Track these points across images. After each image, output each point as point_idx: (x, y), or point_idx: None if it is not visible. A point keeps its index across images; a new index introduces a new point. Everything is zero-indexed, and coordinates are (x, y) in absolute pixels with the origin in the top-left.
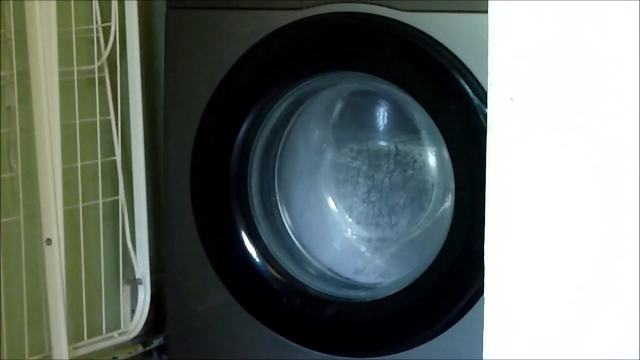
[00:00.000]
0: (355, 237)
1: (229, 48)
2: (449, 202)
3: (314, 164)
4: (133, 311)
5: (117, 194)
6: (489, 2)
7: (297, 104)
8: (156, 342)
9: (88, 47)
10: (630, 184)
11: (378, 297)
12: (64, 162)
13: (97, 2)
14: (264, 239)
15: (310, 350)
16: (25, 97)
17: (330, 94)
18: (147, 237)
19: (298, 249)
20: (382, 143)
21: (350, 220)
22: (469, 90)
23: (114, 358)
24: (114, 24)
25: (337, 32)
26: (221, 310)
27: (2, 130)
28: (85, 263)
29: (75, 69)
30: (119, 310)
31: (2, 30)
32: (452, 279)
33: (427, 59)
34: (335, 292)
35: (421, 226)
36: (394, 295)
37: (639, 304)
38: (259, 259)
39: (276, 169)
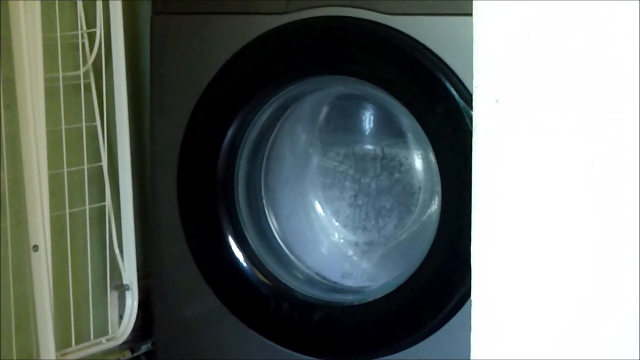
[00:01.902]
0: (342, 241)
1: (214, 53)
2: (435, 205)
3: (301, 169)
4: (121, 317)
5: (103, 199)
6: (474, 4)
7: (284, 108)
8: (144, 348)
9: (73, 53)
10: (616, 184)
11: (366, 301)
12: (50, 168)
13: (82, 8)
14: (251, 244)
15: (299, 354)
16: (11, 103)
17: (317, 98)
18: (134, 243)
19: (285, 253)
20: (369, 147)
21: (337, 224)
22: (454, 92)
23: None
24: (99, 29)
25: (323, 36)
26: (209, 315)
27: None
28: (72, 269)
29: (60, 75)
30: (107, 316)
31: None
32: (440, 282)
33: (413, 62)
34: (323, 296)
35: (408, 229)
36: (381, 298)
37: (639, 303)
38: (246, 263)
39: (263, 173)
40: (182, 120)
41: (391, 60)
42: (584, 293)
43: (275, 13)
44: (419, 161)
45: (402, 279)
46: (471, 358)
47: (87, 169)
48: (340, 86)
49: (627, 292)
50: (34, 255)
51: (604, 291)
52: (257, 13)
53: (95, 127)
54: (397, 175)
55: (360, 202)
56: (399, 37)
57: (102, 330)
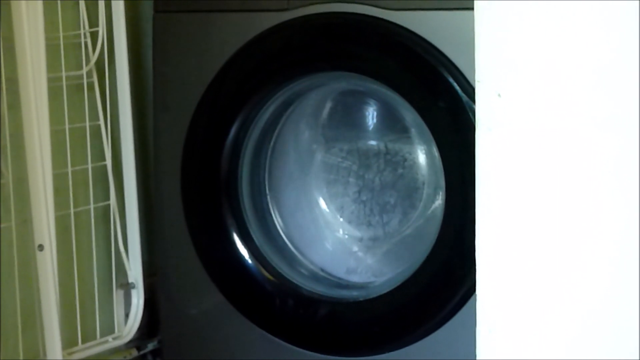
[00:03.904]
0: (347, 236)
1: (216, 51)
2: (439, 200)
3: (304, 165)
4: (127, 315)
5: (108, 198)
6: None
7: (286, 105)
8: (150, 346)
9: (76, 53)
10: (620, 178)
11: (371, 297)
12: (54, 167)
13: (84, 7)
14: (256, 241)
15: (304, 351)
16: (15, 103)
17: (319, 95)
18: (139, 241)
19: (290, 249)
20: (372, 142)
21: (341, 220)
22: (457, 87)
23: None
24: (102, 28)
25: (324, 33)
26: (214, 312)
27: None
28: (77, 268)
29: (63, 74)
30: (113, 315)
31: None
32: (445, 277)
33: (415, 57)
34: (327, 292)
35: (412, 225)
36: (386, 294)
37: (638, 299)
38: (251, 260)
39: (266, 170)
40: (185, 118)
41: (393, 56)
42: (588, 288)
43: (276, 10)
44: (423, 156)
45: (406, 275)
46: (477, 353)
47: (91, 168)
48: (342, 82)
49: (631, 289)
50: (39, 254)
51: (608, 286)
52: (258, 10)
53: (99, 126)
54: (400, 170)
55: (364, 198)
56: (401, 32)
57: (108, 328)
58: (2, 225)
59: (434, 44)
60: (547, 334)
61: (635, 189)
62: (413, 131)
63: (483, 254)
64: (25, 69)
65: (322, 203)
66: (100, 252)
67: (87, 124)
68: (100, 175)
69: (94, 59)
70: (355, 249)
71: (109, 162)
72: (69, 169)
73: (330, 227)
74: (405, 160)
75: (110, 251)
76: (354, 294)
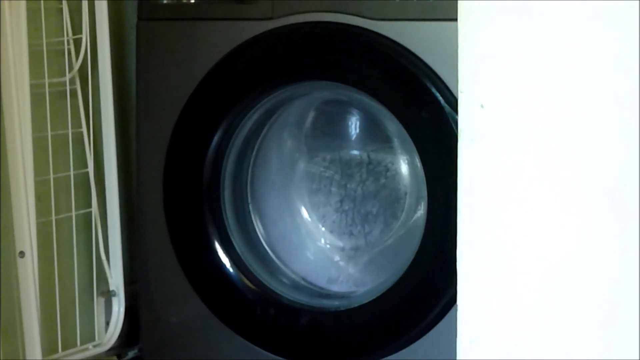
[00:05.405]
0: (328, 246)
1: (200, 59)
2: (421, 210)
3: (287, 174)
4: (107, 323)
5: (90, 206)
6: (459, 10)
7: (270, 113)
8: (131, 354)
9: (59, 60)
10: (602, 189)
11: (352, 306)
12: (36, 174)
13: (67, 14)
14: (238, 249)
15: None
16: None
17: (303, 104)
18: (121, 249)
19: (271, 258)
20: (355, 152)
21: (323, 229)
22: (440, 97)
23: None
24: (85, 36)
25: (309, 42)
26: (195, 321)
27: None
28: (58, 275)
29: (46, 81)
30: (94, 322)
31: None
32: (426, 287)
33: (398, 67)
34: (309, 302)
35: (394, 235)
36: (367, 304)
37: (638, 306)
38: (233, 269)
39: (249, 179)
40: (168, 126)
41: (377, 66)
42: (569, 299)
43: (261, 19)
44: (405, 166)
45: (388, 284)
46: None
47: (74, 175)
48: (326, 92)
49: (610, 297)
50: (20, 261)
51: (589, 297)
52: (243, 19)
53: (82, 133)
54: (383, 180)
55: (346, 208)
56: (385, 42)
57: (89, 336)
58: None
59: (418, 54)
60: (527, 345)
61: (618, 199)
62: (396, 141)
63: (464, 265)
64: (8, 75)
65: (304, 212)
66: (82, 260)
67: (70, 131)
68: (82, 182)
69: (77, 65)
70: (337, 258)
71: (91, 169)
72: (51, 176)
73: (312, 237)
74: (387, 170)
75: (92, 258)
76: (335, 303)
